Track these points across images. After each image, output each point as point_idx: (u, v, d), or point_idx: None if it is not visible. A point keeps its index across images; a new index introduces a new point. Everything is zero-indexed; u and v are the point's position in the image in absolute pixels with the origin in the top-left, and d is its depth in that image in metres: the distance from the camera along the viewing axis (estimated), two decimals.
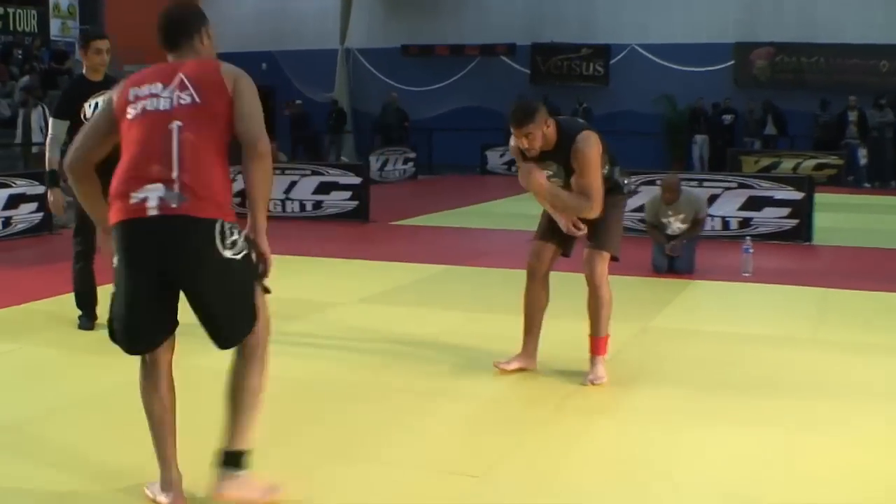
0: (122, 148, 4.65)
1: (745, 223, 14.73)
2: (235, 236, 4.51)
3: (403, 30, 31.94)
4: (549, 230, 7.09)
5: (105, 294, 5.48)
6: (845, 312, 9.78)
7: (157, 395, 4.74)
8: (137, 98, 4.62)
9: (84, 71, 8.63)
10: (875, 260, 13.16)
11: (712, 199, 14.49)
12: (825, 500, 5.02)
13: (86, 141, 4.88)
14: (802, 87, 27.31)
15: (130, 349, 4.71)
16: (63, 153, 8.29)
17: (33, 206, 15.11)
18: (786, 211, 14.74)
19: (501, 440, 5.91)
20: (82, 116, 8.19)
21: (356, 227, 16.54)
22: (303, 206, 17.83)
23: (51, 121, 8.56)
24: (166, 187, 4.42)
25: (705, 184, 15.09)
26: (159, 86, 4.63)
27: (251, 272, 4.61)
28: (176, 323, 4.69)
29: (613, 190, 6.99)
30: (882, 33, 26.38)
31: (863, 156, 24.97)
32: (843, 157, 24.78)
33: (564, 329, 7.61)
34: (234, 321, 4.62)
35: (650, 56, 29.08)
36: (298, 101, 30.87)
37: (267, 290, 4.75)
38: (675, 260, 11.75)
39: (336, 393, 6.80)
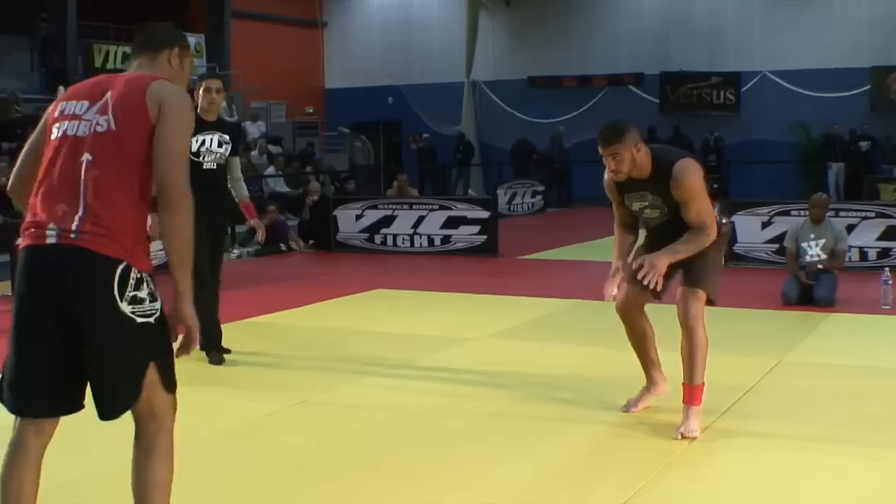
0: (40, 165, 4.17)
1: (883, 253, 14.52)
2: (142, 293, 4.00)
3: (530, 61, 31.97)
4: (648, 243, 6.87)
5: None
6: None
7: (20, 474, 4.13)
8: (62, 116, 4.19)
9: (198, 109, 8.85)
10: None
11: (849, 228, 14.12)
12: None
13: (24, 160, 4.36)
14: None
15: (14, 408, 4.14)
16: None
17: None
18: None
19: (635, 475, 5.91)
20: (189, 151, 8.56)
21: (485, 261, 16.59)
22: (431, 241, 17.92)
23: None
24: (66, 206, 3.98)
25: (841, 213, 14.79)
26: (85, 105, 4.15)
27: (153, 343, 4.06)
28: (78, 396, 4.14)
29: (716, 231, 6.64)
30: None
31: None
32: None
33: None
34: (115, 389, 4.05)
35: (782, 82, 28.78)
36: (426, 135, 31.08)
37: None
38: (815, 290, 11.63)
39: (467, 428, 6.85)
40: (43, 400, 4.07)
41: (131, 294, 3.93)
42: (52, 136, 4.15)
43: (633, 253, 6.91)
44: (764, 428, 6.86)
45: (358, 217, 18.50)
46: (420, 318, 11.03)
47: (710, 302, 6.66)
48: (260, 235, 9.90)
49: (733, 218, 15.24)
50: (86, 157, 4.03)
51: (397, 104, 33.84)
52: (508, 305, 11.34)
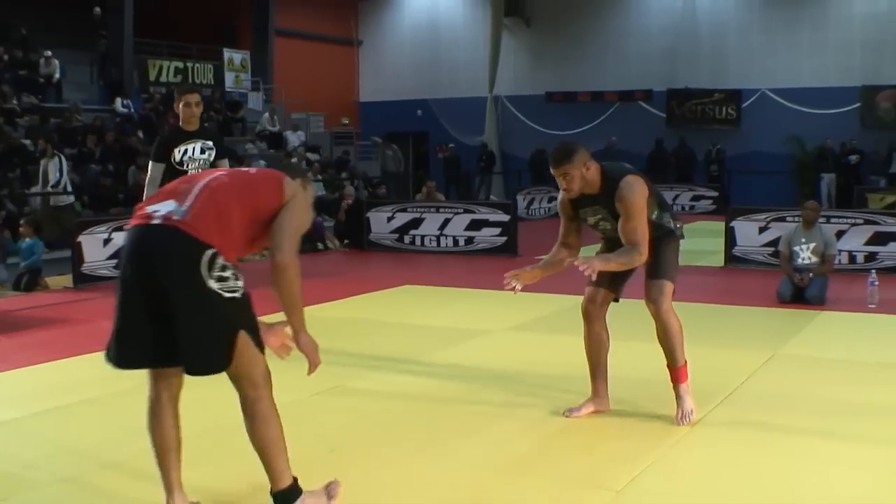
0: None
1: (870, 257, 14.52)
2: (227, 274, 4.35)
3: (548, 78, 31.99)
4: (601, 275, 6.58)
5: None
6: None
7: (160, 420, 4.67)
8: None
9: (180, 122, 9.12)
10: None
11: (839, 234, 14.20)
12: None
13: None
14: None
15: (117, 363, 4.62)
16: None
17: None
18: None
19: (637, 459, 5.92)
20: (172, 160, 8.85)
21: (505, 260, 16.50)
22: (456, 242, 17.99)
23: (150, 164, 9.08)
24: (177, 204, 4.43)
25: (833, 220, 14.82)
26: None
27: (235, 314, 4.39)
28: (172, 353, 4.46)
29: (667, 235, 6.53)
30: None
31: None
32: None
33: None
34: (198, 351, 4.41)
35: (779, 99, 28.73)
36: (451, 145, 31.09)
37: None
38: (807, 290, 11.67)
39: (486, 411, 6.88)
40: (138, 355, 4.53)
41: (217, 273, 4.28)
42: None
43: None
44: (758, 416, 6.85)
45: (389, 219, 18.57)
46: (445, 312, 11.07)
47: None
48: None
49: (733, 223, 15.41)
50: (209, 178, 4.63)
51: (426, 116, 33.92)
52: (526, 301, 11.32)
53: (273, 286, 4.53)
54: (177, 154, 8.85)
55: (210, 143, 9.03)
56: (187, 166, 8.85)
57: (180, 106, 9.02)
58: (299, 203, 4.69)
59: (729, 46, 29.64)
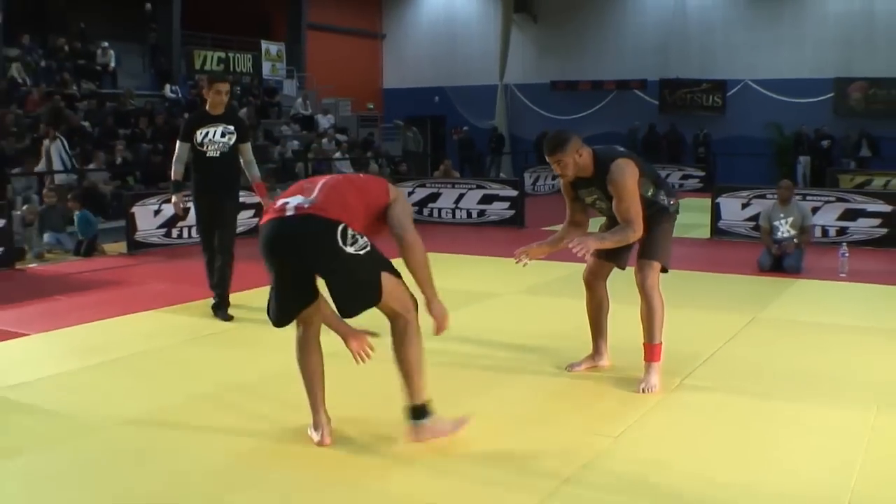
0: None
1: (841, 231, 14.51)
2: (357, 238, 4.79)
3: (552, 68, 31.87)
4: (601, 250, 6.49)
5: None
6: None
7: (307, 354, 5.18)
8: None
9: (207, 105, 8.88)
10: None
11: (814, 210, 14.15)
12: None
13: None
14: (892, 116, 26.61)
15: (276, 323, 5.14)
16: (186, 170, 8.84)
17: None
18: (877, 221, 14.46)
19: (632, 410, 5.96)
20: (194, 141, 8.68)
21: (513, 231, 16.61)
22: (469, 214, 18.03)
23: (177, 143, 8.87)
24: (304, 197, 4.88)
25: (808, 198, 14.78)
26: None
27: (372, 263, 4.84)
28: (312, 298, 5.04)
29: (660, 211, 6.39)
30: None
31: None
32: None
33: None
34: (351, 298, 4.86)
35: (760, 89, 28.57)
36: (465, 128, 31.02)
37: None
38: (784, 260, 11.71)
39: (497, 367, 6.87)
40: (288, 317, 5.10)
41: (350, 240, 4.75)
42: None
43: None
44: (740, 372, 6.88)
45: (409, 194, 18.51)
46: (459, 277, 11.05)
47: (663, 269, 6.45)
48: None
49: (718, 200, 15.42)
50: (328, 178, 5.14)
51: (442, 102, 33.85)
52: (533, 267, 11.21)
53: (406, 262, 4.98)
54: (198, 136, 8.69)
55: (231, 128, 8.80)
56: (207, 147, 8.70)
57: (210, 92, 8.80)
58: (404, 200, 5.20)
59: (716, 41, 29.48)
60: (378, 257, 4.86)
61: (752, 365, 7.16)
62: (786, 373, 6.93)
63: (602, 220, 6.68)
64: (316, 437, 5.18)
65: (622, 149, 6.46)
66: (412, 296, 5.03)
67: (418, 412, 5.03)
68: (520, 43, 32.18)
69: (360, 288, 4.84)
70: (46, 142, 16.95)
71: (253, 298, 9.11)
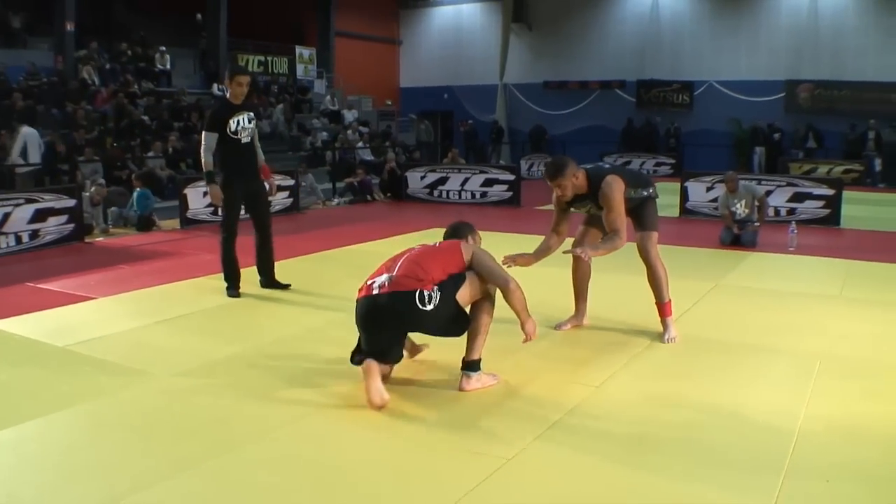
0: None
1: (791, 212, 14.51)
2: (432, 295, 5.02)
3: (545, 70, 31.69)
4: (590, 220, 6.71)
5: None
6: (864, 278, 9.53)
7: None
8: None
9: (228, 95, 8.24)
10: (887, 240, 12.75)
11: (767, 193, 14.19)
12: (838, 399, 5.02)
13: None
14: (835, 113, 26.44)
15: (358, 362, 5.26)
16: (214, 159, 8.08)
17: (63, 217, 12.33)
18: (821, 203, 14.50)
19: (611, 363, 5.96)
20: (227, 131, 8.03)
21: (511, 210, 16.60)
22: (473, 195, 17.96)
23: (204, 134, 8.16)
24: (388, 274, 5.15)
25: (763, 182, 14.86)
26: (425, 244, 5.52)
27: (448, 301, 5.07)
28: (398, 350, 5.34)
29: (646, 199, 6.49)
30: (894, 73, 25.54)
31: (878, 164, 24.29)
32: (864, 165, 24.06)
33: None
34: (450, 331, 5.27)
35: (723, 89, 28.42)
36: (470, 121, 30.95)
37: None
38: (743, 236, 11.74)
39: (493, 328, 6.89)
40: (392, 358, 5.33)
41: (427, 300, 5.01)
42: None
43: (580, 228, 6.83)
44: (705, 331, 6.89)
45: (422, 178, 18.53)
46: None
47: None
48: (272, 192, 8.71)
49: (686, 184, 15.45)
50: (408, 253, 5.32)
51: (451, 99, 33.72)
52: (528, 241, 11.14)
53: (507, 301, 5.29)
54: (232, 125, 8.06)
55: (252, 115, 8.32)
56: (241, 135, 8.12)
57: (233, 84, 8.13)
58: (479, 253, 5.33)
59: (685, 47, 29.33)
60: (449, 294, 5.09)
61: (716, 322, 7.22)
62: (745, 328, 7.01)
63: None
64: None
65: (607, 166, 6.58)
66: (486, 292, 5.31)
67: (472, 365, 5.27)
68: (517, 48, 32.03)
69: (450, 323, 5.18)
70: (14, 135, 15.66)
71: (283, 268, 9.11)
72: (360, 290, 5.21)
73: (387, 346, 5.20)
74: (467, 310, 5.26)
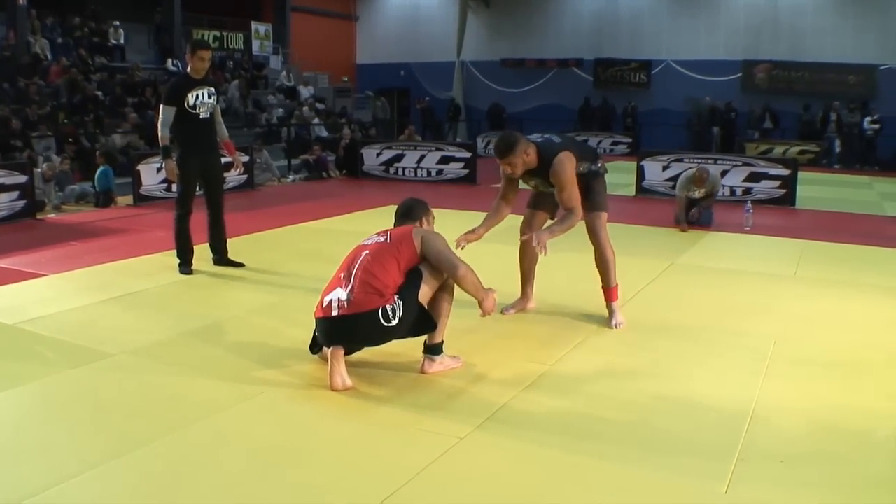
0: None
1: (747, 191, 14.58)
2: (395, 308, 4.90)
3: (502, 47, 31.63)
4: (535, 202, 6.67)
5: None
6: (819, 257, 9.63)
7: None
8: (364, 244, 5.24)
9: (189, 70, 8.10)
10: (842, 220, 12.91)
11: (723, 173, 14.36)
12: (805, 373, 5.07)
13: None
14: (791, 94, 26.65)
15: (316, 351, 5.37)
16: (171, 133, 7.98)
17: (15, 194, 12.13)
18: (777, 183, 14.60)
19: (567, 342, 5.99)
20: (185, 105, 7.94)
21: (468, 188, 16.57)
22: (429, 173, 17.91)
23: (161, 107, 8.01)
24: (342, 289, 4.97)
25: (719, 162, 14.97)
26: (376, 237, 5.28)
27: (410, 307, 4.96)
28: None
29: (594, 174, 6.32)
30: (852, 55, 25.74)
31: (838, 145, 24.58)
32: (822, 146, 24.29)
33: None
34: (417, 335, 5.17)
35: (680, 69, 28.56)
36: (427, 99, 30.88)
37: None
38: (703, 216, 11.69)
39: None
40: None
41: (392, 314, 4.89)
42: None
43: (526, 212, 6.77)
44: (660, 309, 6.95)
45: (378, 154, 18.43)
46: None
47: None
48: (237, 168, 8.78)
49: (643, 163, 15.49)
50: (360, 259, 5.06)
51: (407, 76, 33.59)
52: (480, 219, 11.33)
53: (461, 287, 5.18)
54: (190, 98, 7.95)
55: (213, 90, 8.20)
56: (199, 109, 8.02)
57: (194, 58, 8.03)
58: (430, 239, 5.18)
59: (643, 26, 29.41)
60: (411, 296, 4.99)
61: (671, 301, 7.26)
62: (699, 307, 7.05)
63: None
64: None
65: (558, 139, 6.31)
66: (444, 281, 5.19)
67: (434, 349, 5.24)
68: (474, 25, 31.96)
69: (418, 324, 5.07)
70: None
71: (237, 245, 9.03)
72: (317, 309, 5.06)
73: (354, 350, 5.27)
74: (426, 301, 5.13)
